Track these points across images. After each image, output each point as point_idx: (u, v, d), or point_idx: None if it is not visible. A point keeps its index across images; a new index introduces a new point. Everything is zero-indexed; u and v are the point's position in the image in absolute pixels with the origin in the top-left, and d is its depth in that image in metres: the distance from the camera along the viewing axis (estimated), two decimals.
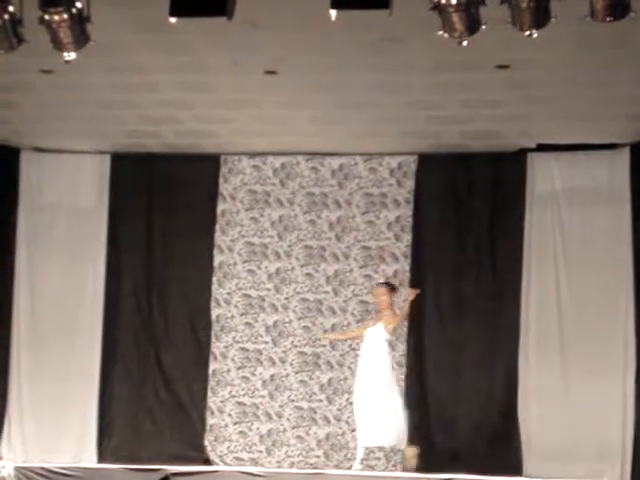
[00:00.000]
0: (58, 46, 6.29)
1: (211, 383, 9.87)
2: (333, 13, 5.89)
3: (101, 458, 9.67)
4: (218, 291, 9.97)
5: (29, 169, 10.03)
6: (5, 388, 9.81)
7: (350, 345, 9.80)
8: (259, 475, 7.15)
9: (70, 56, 6.34)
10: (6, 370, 9.80)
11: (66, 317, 9.91)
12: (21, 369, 9.84)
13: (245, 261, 10.02)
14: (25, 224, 10.02)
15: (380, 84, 8.04)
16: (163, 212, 10.04)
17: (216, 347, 9.92)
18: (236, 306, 9.94)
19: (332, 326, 9.84)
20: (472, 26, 5.90)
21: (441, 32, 5.92)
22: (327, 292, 9.87)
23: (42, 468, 7.04)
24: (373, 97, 8.30)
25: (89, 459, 9.63)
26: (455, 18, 5.83)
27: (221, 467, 9.05)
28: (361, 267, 9.87)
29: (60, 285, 9.95)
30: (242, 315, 9.93)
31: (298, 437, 9.73)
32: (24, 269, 9.99)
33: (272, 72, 7.88)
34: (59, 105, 8.73)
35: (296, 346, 9.85)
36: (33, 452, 9.58)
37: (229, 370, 9.90)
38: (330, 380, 9.79)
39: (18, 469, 7.10)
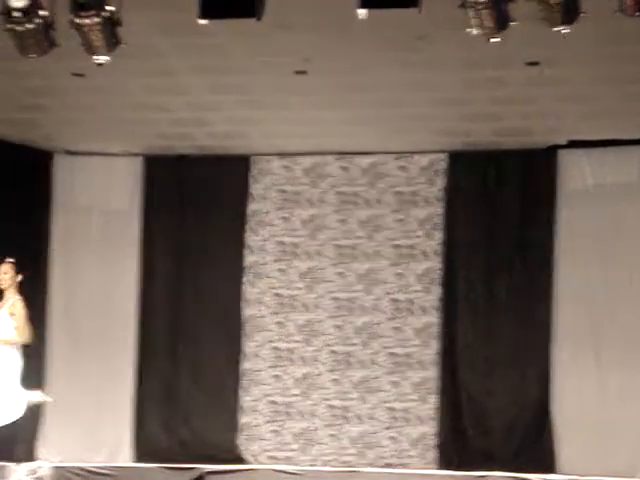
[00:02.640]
0: (89, 49, 6.34)
1: (243, 382, 9.91)
2: (362, 12, 5.90)
3: (136, 457, 9.74)
4: (249, 291, 10.01)
5: (62, 172, 10.09)
6: (41, 388, 9.88)
7: (382, 344, 9.81)
8: (293, 473, 7.17)
9: (101, 59, 6.40)
10: (42, 370, 9.89)
11: (100, 317, 9.98)
12: (57, 369, 9.92)
13: (276, 260, 10.05)
14: (59, 226, 10.09)
15: (410, 82, 8.04)
16: (194, 213, 10.09)
17: (247, 346, 9.96)
18: (267, 305, 9.98)
19: (363, 324, 9.86)
20: (501, 23, 5.90)
21: (470, 29, 5.92)
22: (358, 291, 9.89)
23: (79, 468, 7.11)
24: (403, 96, 8.30)
25: (124, 458, 9.69)
26: (484, 15, 5.83)
27: (255, 465, 9.09)
28: (392, 265, 9.88)
29: (94, 286, 10.02)
30: (273, 314, 9.96)
31: (331, 435, 9.75)
32: (58, 271, 10.06)
33: (302, 72, 7.90)
34: (91, 108, 8.80)
35: (328, 345, 9.87)
36: (69, 452, 9.65)
37: (261, 369, 9.94)
38: (362, 379, 9.80)
39: (56, 469, 7.16)
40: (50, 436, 9.77)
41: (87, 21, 6.13)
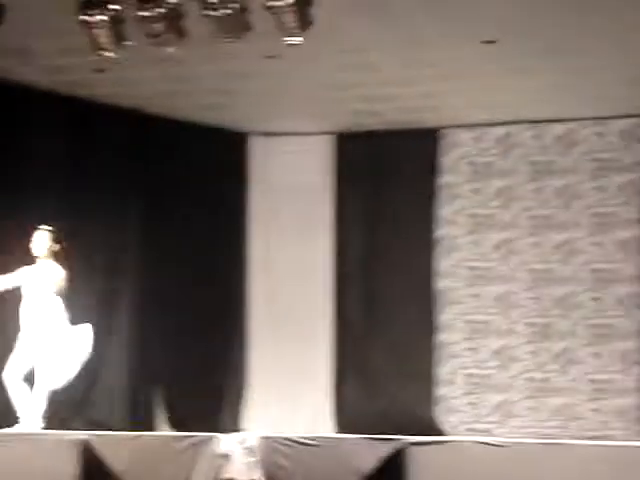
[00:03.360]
0: (283, 31, 6.46)
1: (438, 354, 9.91)
2: None
3: (336, 427, 9.92)
4: (442, 263, 9.99)
5: (257, 153, 10.34)
6: (245, 362, 10.22)
7: (581, 315, 9.58)
8: (498, 445, 7.05)
9: (295, 40, 6.50)
10: (245, 344, 10.22)
11: (298, 292, 10.20)
12: (258, 343, 10.22)
13: (468, 233, 9.98)
14: (256, 206, 10.36)
15: (607, 46, 7.78)
16: (386, 188, 10.16)
17: (442, 319, 9.96)
18: (461, 278, 9.94)
19: (561, 296, 9.66)
20: None
21: None
22: (555, 261, 9.69)
23: (284, 438, 7.27)
24: (602, 60, 8.04)
25: (325, 429, 9.87)
26: None
27: (459, 437, 9.05)
28: (590, 235, 9.62)
29: (291, 262, 10.23)
30: (468, 287, 9.91)
31: (530, 408, 9.63)
32: (257, 249, 10.35)
33: (490, 42, 7.78)
34: (284, 89, 8.96)
35: (525, 317, 9.74)
36: (271, 423, 9.93)
37: (457, 342, 9.91)
38: (562, 350, 9.62)
39: (262, 439, 7.36)
40: (255, 408, 10.12)
41: (280, 3, 6.25)
